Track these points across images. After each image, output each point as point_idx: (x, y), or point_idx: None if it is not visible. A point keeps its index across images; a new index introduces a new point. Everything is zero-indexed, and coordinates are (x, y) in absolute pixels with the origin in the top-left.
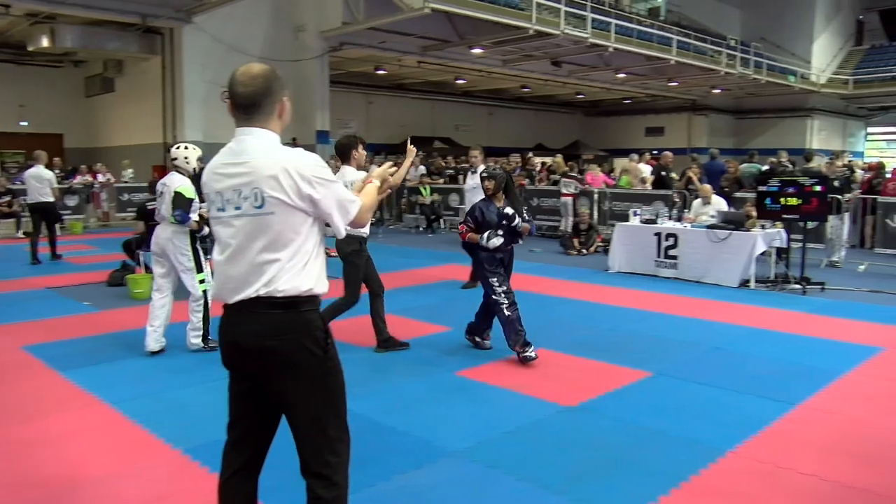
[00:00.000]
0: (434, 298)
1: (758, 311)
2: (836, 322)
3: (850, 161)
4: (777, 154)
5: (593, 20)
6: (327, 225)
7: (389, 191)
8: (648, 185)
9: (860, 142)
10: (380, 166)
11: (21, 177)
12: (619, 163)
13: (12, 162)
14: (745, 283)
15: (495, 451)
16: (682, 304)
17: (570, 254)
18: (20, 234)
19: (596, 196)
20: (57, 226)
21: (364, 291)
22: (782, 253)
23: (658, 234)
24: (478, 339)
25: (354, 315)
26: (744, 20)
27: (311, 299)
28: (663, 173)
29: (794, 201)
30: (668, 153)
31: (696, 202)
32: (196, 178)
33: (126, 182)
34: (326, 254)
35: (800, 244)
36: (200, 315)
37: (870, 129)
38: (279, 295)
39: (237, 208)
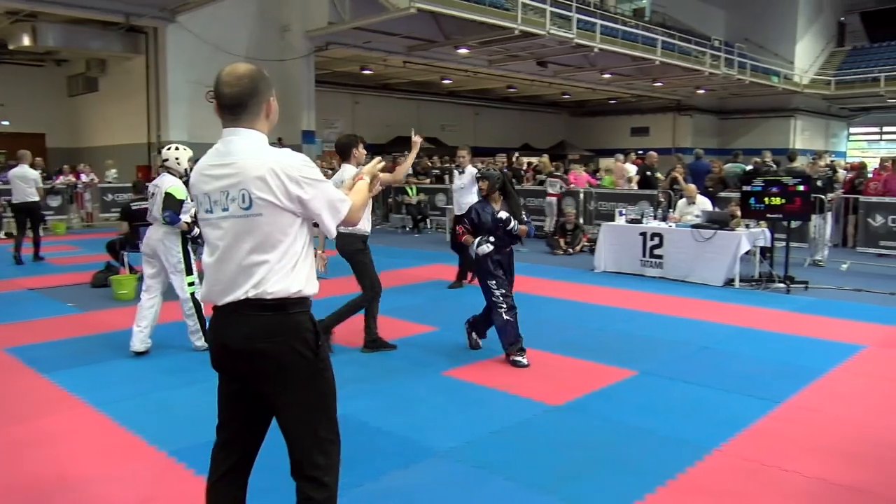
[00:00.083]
0: (421, 298)
1: (742, 310)
2: (819, 321)
3: (832, 161)
4: (761, 154)
5: (578, 21)
6: (315, 225)
7: (381, 188)
8: (634, 185)
9: (842, 142)
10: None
11: (4, 176)
12: (605, 163)
13: None
14: (729, 283)
15: (483, 451)
16: (667, 303)
17: (557, 253)
18: (2, 235)
19: (582, 196)
20: (40, 226)
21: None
22: (766, 252)
23: (643, 234)
24: (474, 335)
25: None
26: (728, 21)
27: (301, 301)
28: (648, 173)
29: (777, 201)
30: (653, 153)
31: (681, 202)
32: (188, 178)
33: (110, 182)
34: (320, 256)
35: (783, 243)
36: (196, 318)
37: (852, 130)
38: (268, 297)
39: (225, 210)
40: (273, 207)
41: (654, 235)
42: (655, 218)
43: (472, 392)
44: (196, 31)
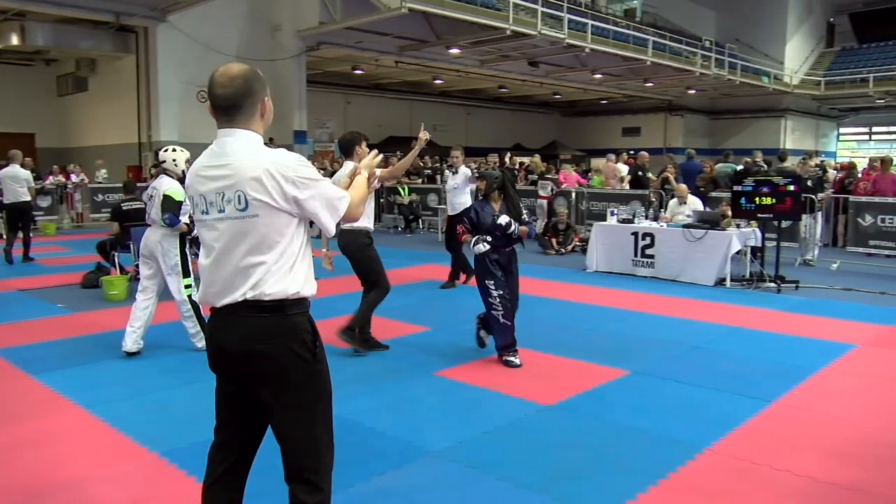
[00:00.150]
0: (413, 298)
1: (733, 310)
2: (810, 320)
3: (822, 161)
4: (752, 154)
5: (570, 21)
6: (311, 224)
7: (378, 184)
8: (626, 185)
9: (832, 142)
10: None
11: None
12: (597, 163)
13: None
14: (720, 282)
15: (475, 451)
16: (658, 303)
17: (549, 253)
18: None
19: (573, 196)
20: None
21: (360, 289)
22: (757, 252)
23: (635, 234)
24: (483, 332)
25: (330, 316)
26: (718, 21)
27: (299, 302)
28: (640, 173)
29: (768, 201)
30: (645, 153)
31: (673, 202)
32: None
33: (100, 182)
34: (325, 254)
35: (774, 243)
36: (195, 320)
37: (842, 130)
38: (266, 298)
39: (220, 211)
40: (269, 208)
41: (645, 235)
42: (647, 218)
43: (464, 392)
44: (187, 31)
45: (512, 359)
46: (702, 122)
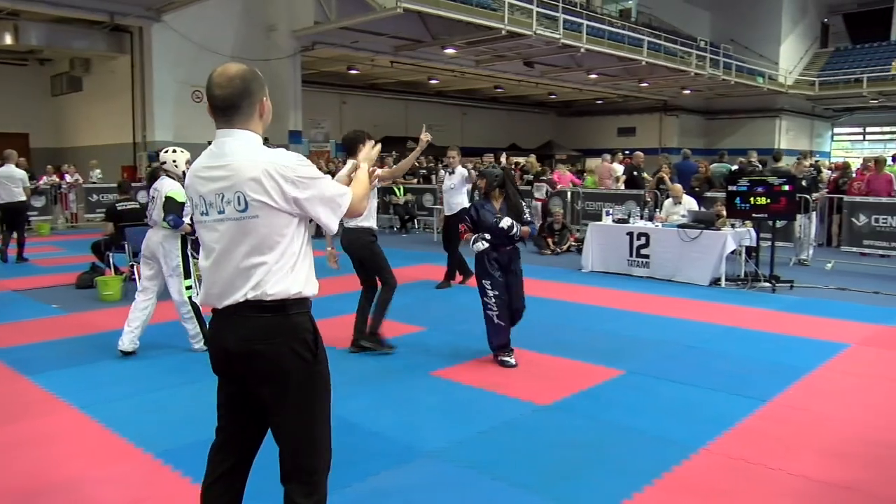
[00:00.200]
0: (409, 298)
1: (728, 310)
2: (804, 319)
3: (817, 161)
4: (747, 154)
5: (565, 21)
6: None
7: (380, 183)
8: (621, 185)
9: (827, 142)
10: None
11: None
12: (592, 163)
13: None
14: (715, 282)
15: (471, 451)
16: (654, 302)
17: (544, 253)
18: None
19: (569, 196)
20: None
21: (358, 289)
22: (752, 251)
23: (630, 234)
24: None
25: (330, 315)
26: (713, 22)
27: (301, 302)
28: (635, 173)
29: (763, 201)
30: (640, 153)
31: (668, 202)
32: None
33: (94, 183)
34: (331, 253)
35: (769, 243)
36: (195, 322)
37: (836, 130)
38: (268, 298)
39: (220, 212)
40: (269, 209)
41: (640, 235)
42: (642, 218)
43: (460, 392)
44: (182, 31)
45: (507, 359)
46: (697, 123)
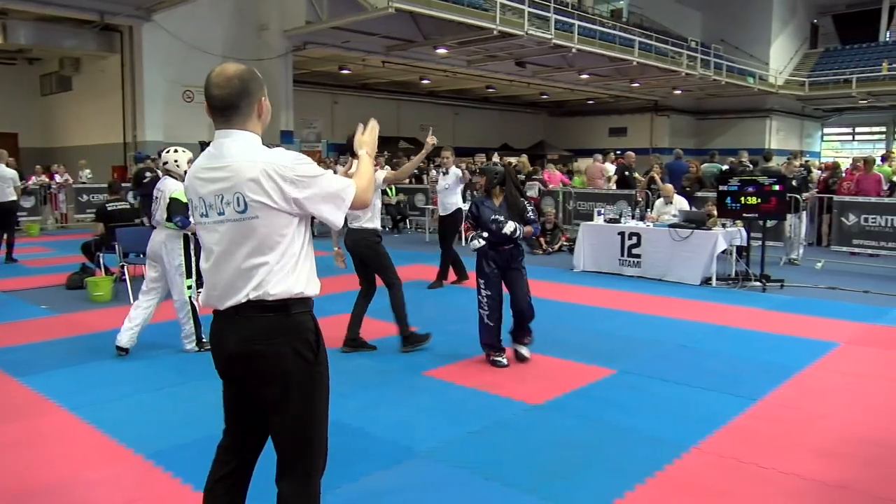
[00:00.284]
0: None
1: (719, 309)
2: (795, 318)
3: (807, 161)
4: (738, 154)
5: (556, 21)
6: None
7: (384, 185)
8: (613, 185)
9: (817, 142)
10: (344, 166)
11: None
12: (584, 163)
13: None
14: (706, 281)
15: (462, 451)
16: (645, 302)
17: (536, 253)
18: None
19: (561, 196)
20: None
21: (357, 288)
22: (742, 251)
23: (622, 234)
24: (521, 350)
25: (326, 315)
26: (704, 22)
27: (303, 301)
28: (626, 173)
29: (753, 200)
30: (631, 153)
31: (659, 202)
32: None
33: (84, 183)
34: (337, 253)
35: (759, 242)
36: (191, 322)
37: (826, 130)
38: (270, 298)
39: (220, 213)
40: (269, 209)
41: (632, 235)
42: (633, 217)
43: (452, 392)
44: (172, 30)
45: (499, 359)
46: (688, 123)
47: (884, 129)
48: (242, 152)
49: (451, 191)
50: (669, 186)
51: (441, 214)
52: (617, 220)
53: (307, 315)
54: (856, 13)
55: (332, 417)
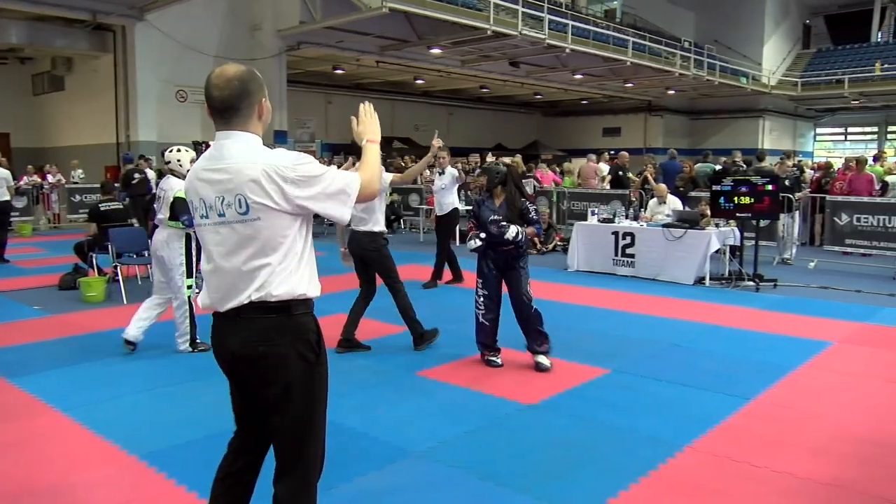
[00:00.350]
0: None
1: (713, 308)
2: (787, 318)
3: (800, 161)
4: (731, 154)
5: (550, 21)
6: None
7: (390, 188)
8: (606, 185)
9: (809, 142)
10: (339, 167)
11: None
12: (577, 163)
13: None
14: (700, 281)
15: (457, 451)
16: (639, 301)
17: (530, 252)
18: None
19: (555, 196)
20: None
21: (355, 287)
22: (736, 251)
23: (615, 233)
24: (539, 359)
25: (321, 315)
26: (697, 23)
27: (305, 302)
28: (620, 173)
29: (746, 200)
30: (625, 153)
31: (652, 201)
32: None
33: (76, 183)
34: (344, 253)
35: (752, 242)
36: (187, 321)
37: (818, 130)
38: (273, 299)
39: (221, 215)
40: (270, 211)
41: (625, 235)
42: (627, 217)
43: (446, 392)
44: (165, 30)
45: (494, 358)
46: (681, 123)
47: (876, 129)
48: (243, 153)
49: (447, 191)
50: (663, 186)
51: (438, 214)
52: (611, 220)
53: (309, 316)
54: (848, 14)
55: (328, 418)
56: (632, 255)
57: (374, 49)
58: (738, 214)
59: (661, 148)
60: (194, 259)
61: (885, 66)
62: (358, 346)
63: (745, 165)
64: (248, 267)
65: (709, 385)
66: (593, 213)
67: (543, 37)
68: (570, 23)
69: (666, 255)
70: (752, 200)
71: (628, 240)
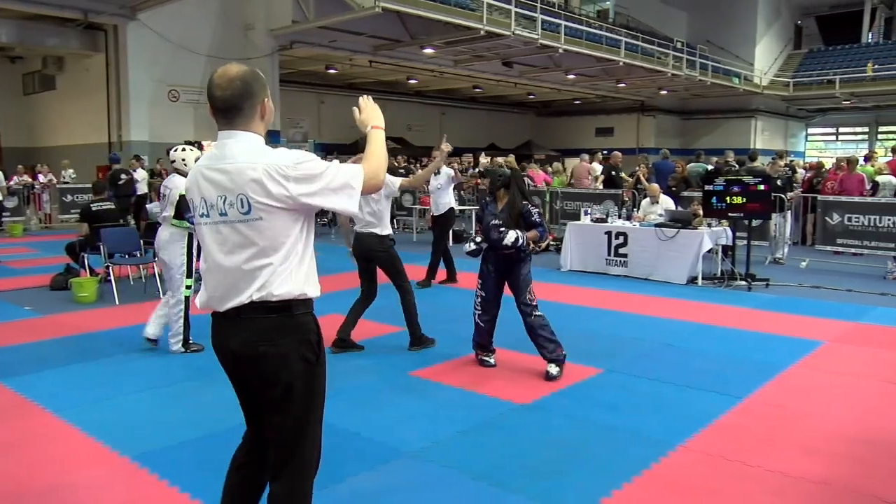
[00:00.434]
0: (388, 299)
1: (705, 308)
2: (779, 317)
3: (791, 161)
4: (723, 154)
5: (543, 22)
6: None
7: (399, 192)
8: (600, 185)
9: (801, 142)
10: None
11: None
12: (570, 163)
13: None
14: (692, 280)
15: (450, 451)
16: (631, 301)
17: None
18: None
19: (548, 196)
20: None
21: (355, 286)
22: (728, 250)
23: (608, 233)
24: (550, 368)
25: (318, 315)
26: (690, 23)
27: (306, 302)
28: (613, 173)
29: (739, 200)
30: (618, 153)
31: (645, 201)
32: None
33: (67, 183)
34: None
35: (745, 241)
36: (181, 321)
37: (810, 130)
38: (274, 299)
39: (222, 214)
40: (273, 210)
41: (618, 234)
42: (620, 217)
43: (439, 392)
44: (157, 29)
45: (487, 358)
46: (674, 123)
47: (867, 129)
48: (245, 153)
49: (443, 191)
50: (655, 186)
51: (434, 214)
52: (604, 220)
53: (309, 316)
54: (839, 15)
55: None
56: (624, 255)
57: (366, 49)
58: (730, 214)
59: (654, 148)
60: (195, 259)
61: (876, 66)
62: (352, 346)
63: (737, 165)
64: (250, 266)
65: (701, 384)
66: (586, 213)
67: (536, 37)
68: (563, 23)
69: (658, 255)
70: (745, 200)
71: (621, 239)
